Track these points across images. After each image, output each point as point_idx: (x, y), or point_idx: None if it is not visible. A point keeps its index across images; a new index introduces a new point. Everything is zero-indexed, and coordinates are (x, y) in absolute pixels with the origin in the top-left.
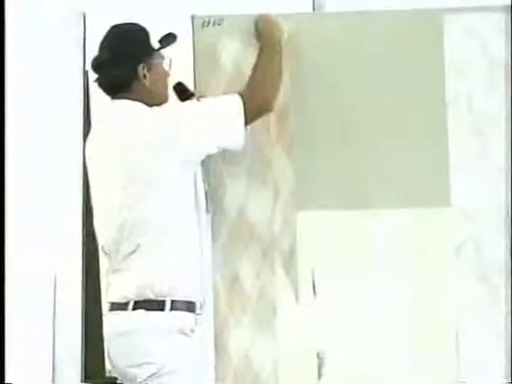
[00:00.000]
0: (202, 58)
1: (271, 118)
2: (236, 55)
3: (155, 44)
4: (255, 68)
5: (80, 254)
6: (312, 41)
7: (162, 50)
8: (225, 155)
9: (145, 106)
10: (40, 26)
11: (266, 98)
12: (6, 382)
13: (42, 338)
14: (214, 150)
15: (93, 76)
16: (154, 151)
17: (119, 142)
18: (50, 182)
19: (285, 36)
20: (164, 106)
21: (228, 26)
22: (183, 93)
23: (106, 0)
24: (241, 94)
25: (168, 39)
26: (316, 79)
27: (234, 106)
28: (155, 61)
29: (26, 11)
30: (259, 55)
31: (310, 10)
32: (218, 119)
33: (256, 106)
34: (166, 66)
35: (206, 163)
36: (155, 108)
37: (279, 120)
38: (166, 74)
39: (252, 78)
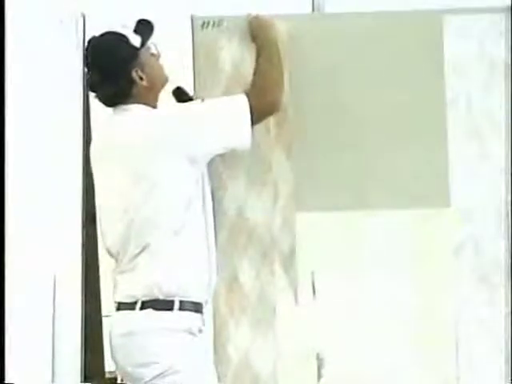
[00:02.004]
0: (202, 58)
1: (271, 118)
2: (235, 56)
3: (136, 42)
4: (256, 70)
5: (80, 254)
6: (311, 41)
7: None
8: (224, 156)
9: (148, 108)
10: (40, 28)
11: (272, 98)
12: (5, 382)
13: (42, 338)
14: (221, 150)
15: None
16: (160, 151)
17: (124, 142)
18: (50, 183)
19: (281, 35)
20: (169, 106)
21: (228, 27)
22: (182, 97)
23: (105, 1)
24: (247, 94)
25: (145, 30)
26: (315, 80)
27: (241, 105)
28: (143, 57)
29: (25, 13)
30: (258, 57)
31: (310, 10)
32: (225, 119)
33: (262, 106)
34: (154, 51)
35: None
36: (159, 108)
37: (279, 121)
38: (157, 58)
39: (255, 79)
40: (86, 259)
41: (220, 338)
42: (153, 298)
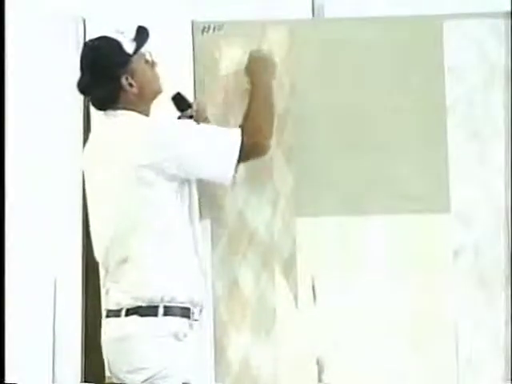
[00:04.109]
0: (202, 63)
1: None
2: (236, 61)
3: (130, 48)
4: (250, 110)
5: (80, 257)
6: (311, 46)
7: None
8: None
9: (138, 116)
10: (40, 31)
11: (264, 139)
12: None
13: (42, 342)
14: (200, 177)
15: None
16: (142, 161)
17: (108, 150)
18: (50, 186)
19: (277, 71)
20: (160, 119)
21: (228, 32)
22: (181, 103)
23: (106, 5)
24: (242, 129)
25: (140, 36)
26: (315, 85)
27: (233, 139)
28: (135, 64)
29: (26, 16)
30: (253, 94)
31: (310, 15)
32: (214, 151)
33: (253, 146)
34: (148, 58)
35: None
36: (149, 118)
37: (278, 126)
38: (152, 66)
39: (248, 120)
40: (87, 262)
41: (220, 343)
42: (137, 305)
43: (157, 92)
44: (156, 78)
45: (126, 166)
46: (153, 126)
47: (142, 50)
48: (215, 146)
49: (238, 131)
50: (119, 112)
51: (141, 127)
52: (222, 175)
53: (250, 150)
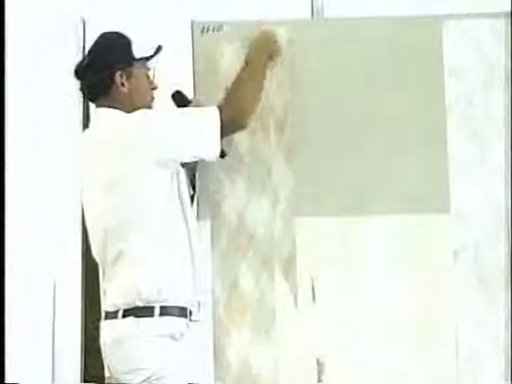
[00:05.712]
0: (202, 63)
1: (271, 124)
2: (235, 61)
3: (137, 53)
4: (237, 81)
5: (80, 258)
6: (311, 47)
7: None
8: (224, 161)
9: (123, 113)
10: (40, 32)
11: (243, 114)
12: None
13: (42, 344)
14: (188, 159)
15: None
16: (128, 155)
17: (99, 147)
18: (50, 188)
19: (280, 54)
20: (140, 111)
21: (227, 32)
22: (181, 101)
23: (105, 6)
24: (219, 107)
25: (154, 51)
26: (315, 86)
27: (210, 117)
28: (135, 69)
29: (26, 17)
30: (244, 68)
31: (309, 16)
32: (193, 128)
33: (232, 120)
34: (149, 74)
35: (205, 169)
36: (134, 114)
37: (279, 126)
38: (150, 84)
39: (231, 92)
40: (86, 264)
41: (220, 343)
42: (133, 305)
43: (145, 106)
44: (148, 95)
45: (114, 161)
46: (136, 119)
47: (150, 65)
48: (197, 126)
49: (215, 108)
50: (105, 109)
51: (125, 121)
52: (208, 153)
53: (226, 126)
